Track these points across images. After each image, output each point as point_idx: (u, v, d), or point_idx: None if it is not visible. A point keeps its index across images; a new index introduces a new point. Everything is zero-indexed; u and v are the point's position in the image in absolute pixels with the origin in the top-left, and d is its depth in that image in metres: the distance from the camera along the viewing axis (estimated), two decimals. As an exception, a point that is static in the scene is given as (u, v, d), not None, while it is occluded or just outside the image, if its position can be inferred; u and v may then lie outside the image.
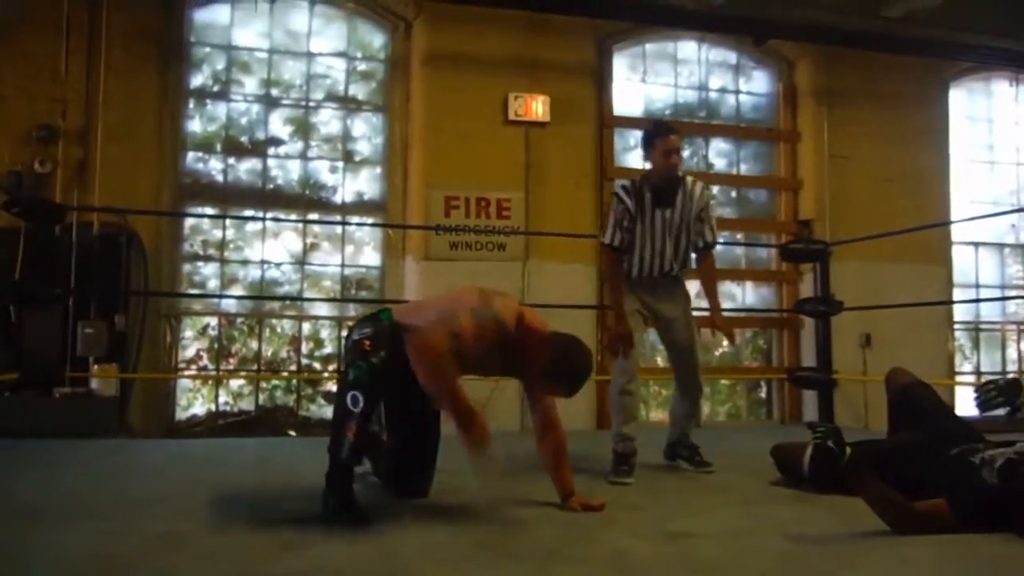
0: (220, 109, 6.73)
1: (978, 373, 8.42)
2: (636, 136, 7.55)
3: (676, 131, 3.82)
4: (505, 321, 2.75)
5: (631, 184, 3.87)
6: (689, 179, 3.90)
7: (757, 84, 7.96)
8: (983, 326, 8.47)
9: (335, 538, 2.34)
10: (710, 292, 4.04)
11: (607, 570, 2.11)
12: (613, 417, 3.79)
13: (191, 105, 6.63)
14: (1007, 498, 2.49)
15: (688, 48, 7.75)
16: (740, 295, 7.77)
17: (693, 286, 4.19)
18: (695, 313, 4.06)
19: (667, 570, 2.14)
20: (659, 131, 3.84)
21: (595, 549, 2.32)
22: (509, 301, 2.86)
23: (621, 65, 7.47)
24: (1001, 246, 8.58)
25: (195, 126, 6.67)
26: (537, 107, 6.79)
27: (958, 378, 8.11)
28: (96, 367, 5.72)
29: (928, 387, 3.36)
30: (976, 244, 8.40)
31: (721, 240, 7.60)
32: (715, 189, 7.85)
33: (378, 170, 6.96)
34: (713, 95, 7.82)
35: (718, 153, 7.87)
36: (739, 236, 7.88)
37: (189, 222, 6.61)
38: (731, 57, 7.89)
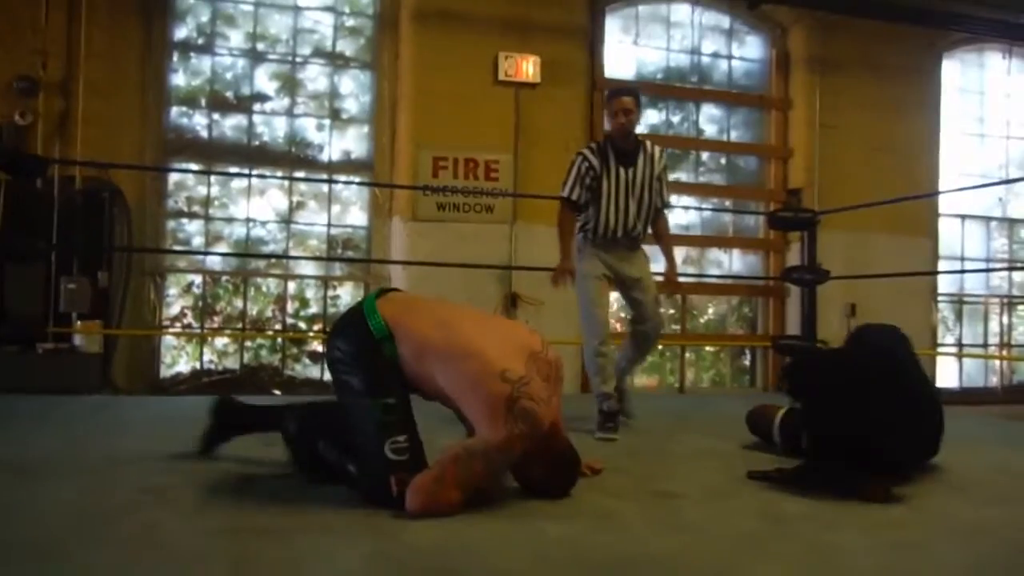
0: (205, 63, 6.61)
1: (960, 345, 8.51)
2: (627, 100, 7.50)
3: (630, 93, 3.91)
4: (539, 430, 2.25)
5: (595, 144, 3.99)
6: (648, 143, 4.00)
7: (750, 50, 7.90)
8: (967, 299, 8.54)
9: (319, 495, 2.34)
10: (667, 252, 4.14)
11: (593, 528, 2.12)
12: (592, 378, 3.91)
13: (175, 58, 6.51)
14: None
15: (681, 11, 7.67)
16: (727, 262, 7.78)
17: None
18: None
19: (652, 529, 2.15)
20: (612, 93, 3.97)
21: (581, 508, 2.33)
22: (548, 402, 2.29)
23: (613, 27, 7.39)
24: (988, 219, 8.62)
25: (179, 80, 6.55)
26: (528, 68, 6.71)
27: (940, 350, 8.19)
28: (79, 323, 5.67)
29: None
30: (963, 217, 8.44)
31: (709, 207, 7.68)
32: (705, 155, 7.84)
33: (365, 128, 6.88)
34: (705, 60, 7.76)
35: (709, 119, 7.82)
36: (728, 203, 7.88)
37: (173, 178, 6.52)
38: (724, 21, 7.82)
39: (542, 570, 1.78)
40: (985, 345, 8.62)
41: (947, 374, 8.33)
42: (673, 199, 7.66)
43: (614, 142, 3.91)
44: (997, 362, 8.61)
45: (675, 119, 7.74)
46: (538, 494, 2.41)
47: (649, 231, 4.08)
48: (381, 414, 2.24)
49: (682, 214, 7.69)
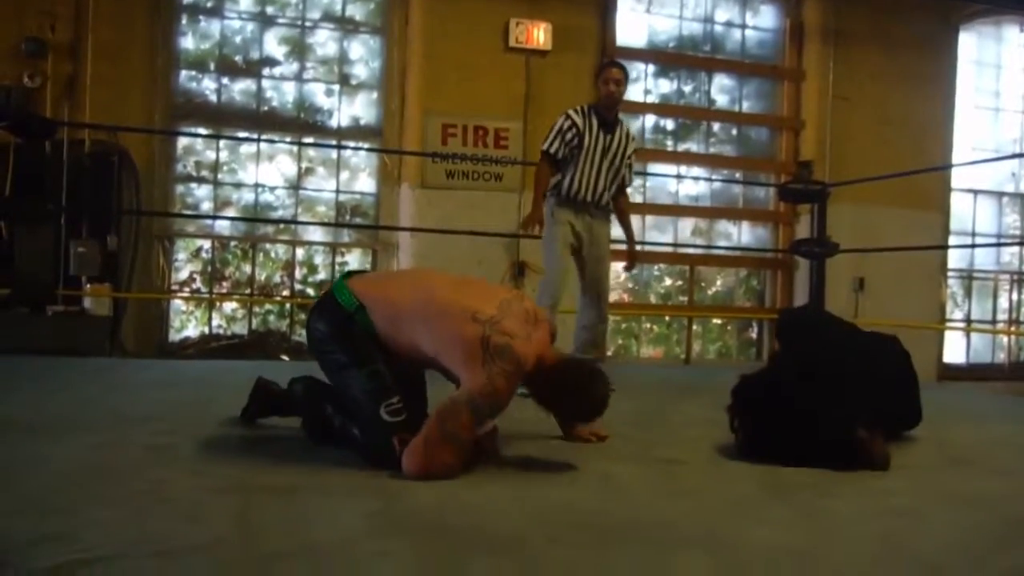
0: (214, 26, 6.57)
1: (968, 321, 8.48)
2: (639, 69, 7.44)
3: (620, 67, 4.15)
4: (522, 366, 2.24)
5: (581, 107, 4.14)
6: (625, 123, 4.25)
7: (764, 19, 7.80)
8: (976, 274, 8.49)
9: (323, 457, 2.36)
10: (627, 227, 4.40)
11: (594, 492, 2.14)
12: None
13: (184, 21, 6.48)
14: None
15: (696, -21, 7.56)
16: (736, 234, 7.75)
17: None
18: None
19: (652, 494, 2.17)
20: (604, 64, 4.34)
21: (582, 473, 2.35)
22: (526, 338, 2.26)
23: (626, -6, 7.30)
24: (1000, 194, 8.54)
25: (188, 43, 6.52)
26: (539, 35, 6.65)
27: (948, 325, 8.17)
28: (88, 286, 5.71)
29: None
30: (975, 192, 8.36)
31: (719, 178, 7.63)
32: (716, 126, 7.78)
33: (375, 95, 6.84)
34: (719, 28, 7.67)
35: (721, 89, 7.75)
36: (738, 174, 7.83)
37: (182, 142, 6.52)
38: (739, -10, 7.71)
39: (542, 532, 1.80)
40: (994, 321, 8.59)
41: (954, 349, 8.32)
42: (683, 169, 7.68)
43: (598, 109, 4.10)
44: (1005, 338, 8.58)
45: (687, 88, 7.67)
46: (578, 419, 2.58)
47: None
48: (368, 381, 2.28)
49: (692, 185, 7.65)
